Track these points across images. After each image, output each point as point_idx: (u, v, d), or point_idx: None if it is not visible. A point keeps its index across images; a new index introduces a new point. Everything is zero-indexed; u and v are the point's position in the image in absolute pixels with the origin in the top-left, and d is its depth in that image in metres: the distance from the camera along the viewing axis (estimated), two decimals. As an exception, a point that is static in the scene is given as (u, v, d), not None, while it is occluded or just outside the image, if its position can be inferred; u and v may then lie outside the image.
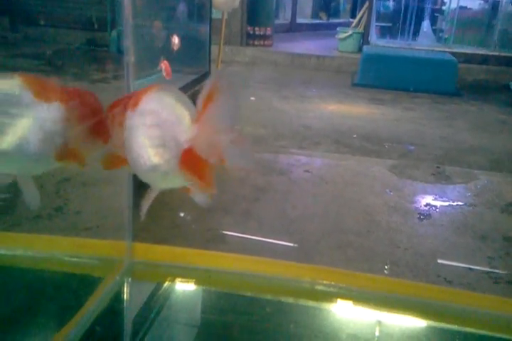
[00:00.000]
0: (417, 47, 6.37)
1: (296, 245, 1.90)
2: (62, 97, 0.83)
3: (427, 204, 2.33)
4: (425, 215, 2.21)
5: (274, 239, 1.93)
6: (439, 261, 1.83)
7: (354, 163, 2.83)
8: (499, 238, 2.04)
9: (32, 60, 5.34)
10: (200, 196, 0.84)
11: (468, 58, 6.09)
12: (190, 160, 0.80)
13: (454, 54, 5.72)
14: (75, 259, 1.01)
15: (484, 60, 6.14)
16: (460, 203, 2.37)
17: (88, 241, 1.27)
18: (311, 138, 3.43)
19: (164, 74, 2.26)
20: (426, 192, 2.48)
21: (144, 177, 0.86)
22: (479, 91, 5.45)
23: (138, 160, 0.81)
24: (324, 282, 0.83)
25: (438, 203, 2.35)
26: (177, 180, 0.85)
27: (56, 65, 5.31)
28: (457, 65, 5.30)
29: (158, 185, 0.87)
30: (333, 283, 0.84)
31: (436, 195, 2.45)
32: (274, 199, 2.30)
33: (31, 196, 0.87)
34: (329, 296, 0.86)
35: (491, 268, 1.80)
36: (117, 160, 0.87)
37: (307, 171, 2.64)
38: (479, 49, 6.38)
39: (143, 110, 0.82)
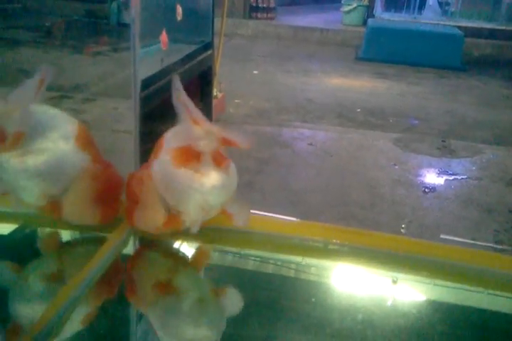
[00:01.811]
0: (422, 21, 6.25)
1: (299, 217, 1.89)
2: None
3: (432, 178, 2.31)
4: (430, 188, 2.19)
5: (277, 210, 1.91)
6: (444, 233, 1.82)
7: (358, 137, 2.79)
8: (505, 211, 2.02)
9: (30, 32, 5.25)
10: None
11: (475, 32, 5.97)
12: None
13: (460, 28, 5.62)
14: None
15: (491, 34, 6.03)
16: (465, 177, 2.35)
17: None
18: (315, 112, 3.39)
19: (162, 44, 2.21)
20: (431, 166, 2.45)
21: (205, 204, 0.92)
22: (485, 66, 5.37)
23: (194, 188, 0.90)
24: (337, 241, 0.82)
25: (443, 176, 2.33)
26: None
27: (55, 37, 5.22)
28: (463, 39, 5.20)
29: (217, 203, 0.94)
30: (346, 242, 0.83)
31: (441, 168, 2.43)
32: (278, 172, 2.28)
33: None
34: (342, 255, 0.85)
35: (496, 240, 1.79)
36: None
37: (311, 144, 2.61)
38: (486, 23, 6.26)
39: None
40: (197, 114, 0.95)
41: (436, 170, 2.41)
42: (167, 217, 0.93)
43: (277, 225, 0.94)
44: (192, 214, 0.94)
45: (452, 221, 1.93)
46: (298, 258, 0.94)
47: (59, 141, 0.98)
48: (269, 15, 6.37)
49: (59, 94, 3.18)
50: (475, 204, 2.07)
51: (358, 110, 3.51)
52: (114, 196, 0.98)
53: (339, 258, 0.88)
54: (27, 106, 1.05)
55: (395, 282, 0.88)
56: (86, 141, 0.98)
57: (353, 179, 2.24)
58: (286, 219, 1.05)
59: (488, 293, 0.88)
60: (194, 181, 0.93)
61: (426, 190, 2.18)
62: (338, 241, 0.84)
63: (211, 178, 0.91)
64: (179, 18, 2.43)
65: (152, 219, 0.94)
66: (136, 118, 1.15)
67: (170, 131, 0.97)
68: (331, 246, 0.86)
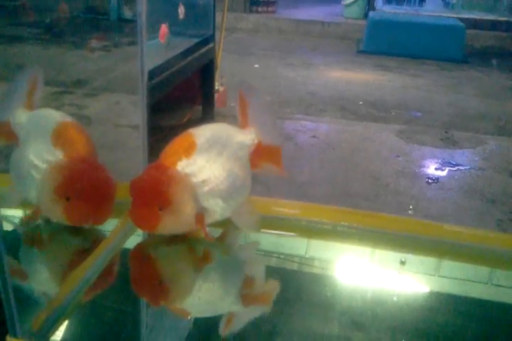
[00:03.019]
0: (423, 13, 6.22)
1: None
2: None
3: (435, 169, 2.31)
4: (433, 179, 2.19)
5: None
6: (448, 223, 1.82)
7: (361, 129, 2.79)
8: (508, 201, 2.02)
9: (31, 29, 5.23)
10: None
11: (477, 24, 5.94)
12: (262, 152, 1.01)
13: (461, 20, 5.58)
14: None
15: (493, 25, 6.00)
16: (469, 167, 2.35)
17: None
18: (317, 105, 3.39)
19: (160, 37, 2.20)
20: (434, 157, 2.45)
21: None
22: (487, 57, 5.35)
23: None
24: (346, 223, 0.82)
25: (446, 167, 2.33)
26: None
27: (55, 33, 5.21)
28: (465, 30, 5.17)
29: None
30: (355, 224, 0.83)
31: (444, 159, 2.43)
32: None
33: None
34: (351, 237, 0.86)
35: (500, 230, 1.79)
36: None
37: (314, 137, 2.61)
38: (488, 14, 6.22)
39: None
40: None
41: (440, 161, 2.41)
42: (196, 217, 0.92)
43: (285, 208, 0.95)
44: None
45: (456, 211, 1.93)
46: (307, 241, 0.95)
47: (38, 137, 1.00)
48: (269, 8, 6.35)
49: (60, 90, 3.18)
50: (479, 195, 2.07)
51: (360, 103, 3.50)
52: (101, 197, 0.96)
53: (347, 240, 0.89)
54: (20, 108, 1.07)
55: (403, 263, 0.89)
56: (61, 138, 0.99)
57: (357, 171, 2.23)
58: (294, 203, 1.06)
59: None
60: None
61: (429, 180, 2.18)
62: (347, 223, 0.84)
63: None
64: (181, 16, 2.43)
65: (187, 220, 0.92)
66: (143, 108, 1.15)
67: (202, 129, 0.98)
68: (339, 228, 0.87)
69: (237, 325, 0.79)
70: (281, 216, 0.94)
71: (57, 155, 0.95)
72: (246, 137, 1.02)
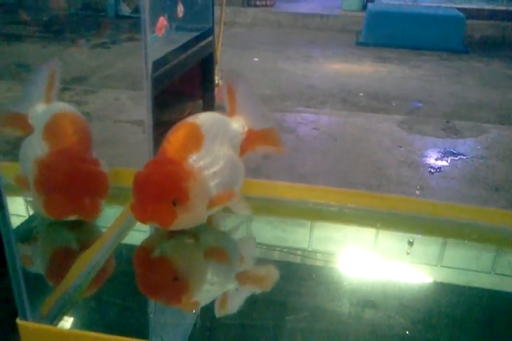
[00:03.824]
0: (422, 4, 6.19)
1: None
2: None
3: (438, 158, 2.30)
4: (436, 169, 2.19)
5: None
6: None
7: (362, 120, 2.78)
8: (512, 189, 2.02)
9: (29, 27, 5.22)
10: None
11: (476, 14, 5.91)
12: (256, 137, 1.01)
13: (460, 10, 5.55)
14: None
15: (492, 15, 5.97)
16: (471, 156, 2.34)
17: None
18: (317, 97, 3.38)
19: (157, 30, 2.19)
20: (436, 146, 2.45)
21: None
22: (487, 47, 5.32)
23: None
24: (352, 205, 0.82)
25: (449, 156, 2.33)
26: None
27: (53, 30, 5.20)
28: (464, 21, 5.15)
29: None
30: (361, 206, 0.83)
31: (446, 148, 2.42)
32: (283, 157, 2.28)
33: None
34: (358, 219, 0.86)
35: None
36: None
37: (315, 129, 2.61)
38: (486, 4, 6.19)
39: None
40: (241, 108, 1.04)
41: (442, 150, 2.40)
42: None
43: (292, 191, 0.95)
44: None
45: (460, 199, 1.92)
46: (314, 223, 0.95)
47: (37, 130, 1.01)
48: (267, 2, 6.32)
49: (60, 86, 3.18)
50: (482, 183, 2.06)
51: (361, 94, 3.49)
52: (84, 189, 0.94)
53: (355, 221, 0.89)
54: (39, 102, 1.09)
55: (411, 243, 0.89)
56: (50, 132, 0.99)
57: (359, 161, 2.23)
58: (301, 185, 1.06)
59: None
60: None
61: (432, 170, 2.17)
62: (354, 205, 0.84)
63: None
64: (180, 15, 2.42)
65: (200, 215, 0.88)
66: (148, 98, 1.15)
67: (202, 119, 0.97)
68: (346, 210, 0.87)
69: (233, 306, 0.78)
70: (286, 198, 0.94)
71: (43, 148, 0.95)
72: (238, 125, 1.03)
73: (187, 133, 0.94)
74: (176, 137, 0.94)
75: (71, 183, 0.91)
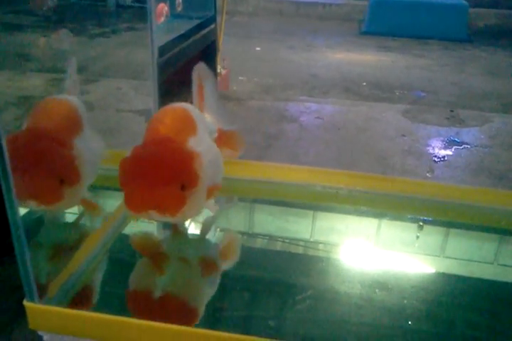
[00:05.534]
0: (426, -7, 6.12)
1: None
2: None
3: (442, 147, 2.29)
4: (440, 158, 2.18)
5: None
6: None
7: (366, 109, 2.77)
8: (516, 177, 2.01)
9: (29, 17, 5.18)
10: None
11: (479, 2, 5.85)
12: (223, 137, 0.94)
13: (464, -2, 5.50)
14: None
15: (495, 3, 5.91)
16: (475, 145, 2.33)
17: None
18: (320, 87, 3.36)
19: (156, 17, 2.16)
20: (440, 135, 2.43)
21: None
22: (491, 36, 5.28)
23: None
24: (359, 188, 0.82)
25: (453, 146, 2.31)
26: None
27: (53, 20, 5.16)
28: (468, 9, 5.10)
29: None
30: (369, 189, 0.83)
31: (450, 137, 2.41)
32: (287, 146, 2.27)
33: None
34: (363, 201, 0.86)
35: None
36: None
37: (318, 118, 2.59)
38: (491, -8, 6.12)
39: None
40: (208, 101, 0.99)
41: (446, 139, 2.39)
42: None
43: (299, 173, 0.95)
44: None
45: (464, 188, 1.92)
46: (316, 213, 0.95)
47: None
48: (269, -9, 6.26)
49: (61, 76, 3.16)
50: (486, 172, 2.05)
51: (364, 84, 3.47)
52: (50, 173, 0.83)
53: (362, 203, 0.88)
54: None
55: (421, 227, 0.88)
56: (32, 114, 0.96)
57: (363, 150, 2.22)
58: (309, 168, 1.05)
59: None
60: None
61: (436, 159, 2.16)
62: (362, 188, 0.84)
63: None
64: (179, 9, 2.40)
65: (202, 204, 0.77)
66: (154, 83, 1.15)
67: (187, 106, 0.93)
68: (354, 193, 0.86)
69: (217, 262, 0.79)
70: (291, 181, 0.94)
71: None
72: (212, 122, 0.97)
73: (181, 116, 0.82)
74: (170, 119, 0.79)
75: (28, 163, 0.81)
